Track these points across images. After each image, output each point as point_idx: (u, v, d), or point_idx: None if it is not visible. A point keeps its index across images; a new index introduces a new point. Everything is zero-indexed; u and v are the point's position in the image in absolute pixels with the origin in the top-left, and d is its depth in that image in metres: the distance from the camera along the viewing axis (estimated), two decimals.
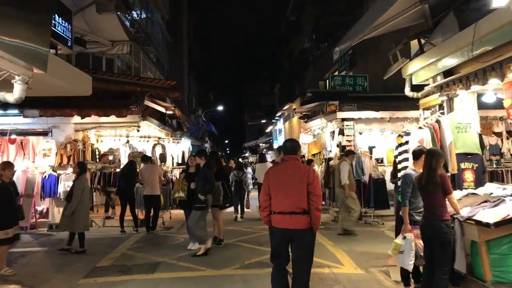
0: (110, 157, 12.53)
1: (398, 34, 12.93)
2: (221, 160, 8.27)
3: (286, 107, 18.14)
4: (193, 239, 7.46)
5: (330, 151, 12.44)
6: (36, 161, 10.31)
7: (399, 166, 6.43)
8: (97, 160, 11.56)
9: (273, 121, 25.51)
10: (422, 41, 6.27)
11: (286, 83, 31.96)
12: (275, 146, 25.74)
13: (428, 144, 5.55)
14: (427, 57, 5.72)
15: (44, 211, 10.51)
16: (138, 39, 16.47)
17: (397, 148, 6.53)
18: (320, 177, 11.49)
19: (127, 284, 5.62)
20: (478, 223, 4.25)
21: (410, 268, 4.82)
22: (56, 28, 5.27)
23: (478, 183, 5.63)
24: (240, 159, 33.19)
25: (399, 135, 6.44)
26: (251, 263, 6.50)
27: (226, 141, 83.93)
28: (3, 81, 4.23)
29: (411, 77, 6.47)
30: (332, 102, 10.81)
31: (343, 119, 11.18)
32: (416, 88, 6.79)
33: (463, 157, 5.71)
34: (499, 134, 10.53)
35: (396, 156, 6.59)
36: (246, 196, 12.67)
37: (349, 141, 11.16)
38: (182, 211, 9.04)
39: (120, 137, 13.02)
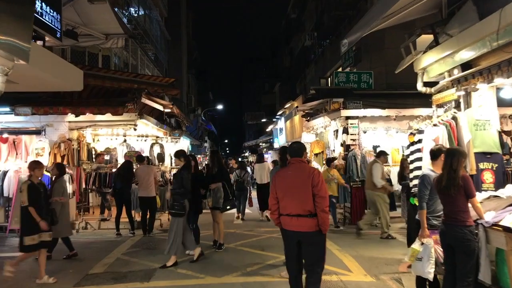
0: (107, 157, 12.15)
1: (403, 31, 12.66)
2: (221, 159, 7.78)
3: (287, 105, 17.73)
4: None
5: (334, 150, 12.03)
6: (29, 161, 9.88)
7: (411, 166, 6.02)
8: (93, 160, 11.17)
9: (273, 120, 25.08)
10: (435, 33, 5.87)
11: (287, 82, 31.58)
12: (276, 145, 25.33)
13: (444, 143, 5.15)
14: (443, 49, 5.32)
15: None
16: (135, 36, 16.08)
17: (408, 147, 6.13)
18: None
19: None
20: (506, 229, 3.85)
21: (429, 277, 4.42)
22: (43, 17, 4.89)
23: (499, 184, 5.23)
24: (240, 159, 32.85)
25: (411, 133, 6.03)
26: (253, 270, 6.10)
27: (226, 141, 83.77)
28: None
29: (424, 72, 6.03)
30: (336, 100, 10.39)
31: (347, 117, 10.76)
32: (427, 84, 6.38)
33: (482, 156, 5.32)
34: (508, 133, 10.16)
35: (407, 156, 6.19)
36: (248, 195, 12.39)
37: (353, 140, 10.75)
38: None
39: (117, 136, 12.68)
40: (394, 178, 10.82)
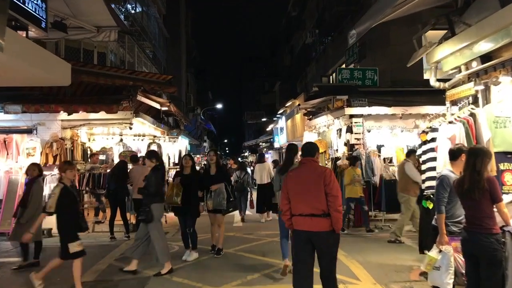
0: (103, 157, 11.75)
1: (409, 27, 12.24)
2: (219, 160, 7.31)
3: (288, 103, 17.30)
4: (189, 248, 6.68)
5: (337, 150, 11.62)
6: (20, 161, 9.51)
7: (423, 167, 5.62)
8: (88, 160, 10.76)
9: (274, 119, 24.66)
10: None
11: (287, 81, 31.17)
12: (276, 145, 24.93)
13: (461, 142, 4.74)
14: (460, 40, 4.90)
15: None
16: (132, 33, 15.67)
17: (420, 146, 5.74)
18: None
19: None
20: None
21: None
22: (26, 5, 4.49)
23: None
24: (239, 159, 32.45)
25: (423, 132, 5.64)
26: (254, 278, 5.69)
27: (225, 141, 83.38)
28: None
29: (437, 65, 5.62)
30: (340, 97, 9.98)
31: (351, 116, 10.36)
32: (441, 79, 5.97)
33: (502, 156, 4.91)
34: None
35: (419, 156, 5.78)
36: (249, 196, 12.14)
37: (357, 139, 10.34)
38: None
39: (113, 136, 12.28)
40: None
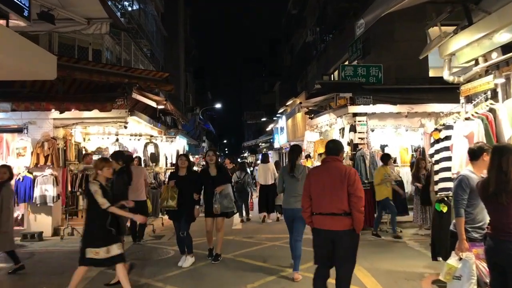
0: (97, 157, 11.35)
1: (414, 23, 11.87)
2: (218, 159, 6.85)
3: (289, 102, 16.91)
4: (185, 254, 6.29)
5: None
6: (9, 161, 9.09)
7: (436, 167, 5.24)
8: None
9: (274, 118, 24.28)
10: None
11: (287, 81, 30.78)
12: (276, 145, 24.55)
13: (481, 140, 4.36)
14: (478, 29, 4.51)
15: (19, 217, 9.33)
16: (128, 30, 15.28)
17: (433, 144, 5.34)
18: None
19: None
20: None
21: None
22: None
23: None
24: (239, 159, 32.08)
25: (436, 129, 5.24)
26: (254, 287, 5.29)
27: (225, 141, 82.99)
28: None
29: (451, 58, 5.24)
30: (343, 95, 9.58)
31: (355, 114, 9.97)
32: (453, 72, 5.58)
33: None
34: None
35: (431, 155, 5.40)
36: (249, 198, 11.86)
37: (361, 138, 9.93)
38: None
39: (109, 135, 11.90)
40: (404, 180, 10.11)
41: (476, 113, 4.62)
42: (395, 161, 10.89)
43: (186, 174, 6.16)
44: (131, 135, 12.23)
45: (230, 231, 9.48)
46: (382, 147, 10.74)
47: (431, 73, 11.72)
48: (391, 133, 10.91)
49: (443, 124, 5.11)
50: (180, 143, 16.63)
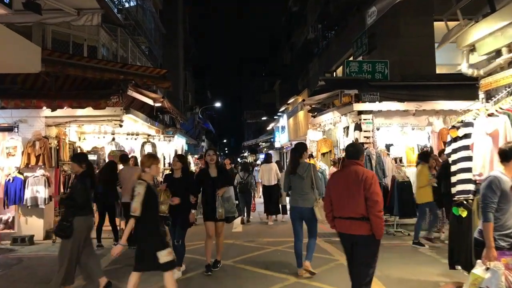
0: (94, 157, 10.95)
1: (420, 18, 11.48)
2: (219, 159, 6.37)
3: (291, 100, 16.49)
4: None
5: (343, 149, 10.82)
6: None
7: (454, 168, 4.83)
8: None
9: (275, 117, 23.86)
10: None
11: (287, 79, 30.34)
12: (277, 145, 24.15)
13: (509, 137, 3.95)
14: (502, 17, 4.11)
15: (10, 220, 8.94)
16: (126, 27, 14.88)
17: (449, 143, 4.93)
18: None
19: None
20: None
21: None
22: None
23: None
24: (239, 159, 31.69)
25: (453, 127, 4.83)
26: None
27: (225, 141, 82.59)
28: None
29: (470, 49, 4.82)
30: (348, 92, 9.17)
31: (360, 112, 9.56)
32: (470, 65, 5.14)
33: None
34: None
35: (448, 155, 4.98)
36: (252, 199, 11.65)
37: (367, 137, 9.53)
38: None
39: (105, 135, 11.51)
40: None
41: (501, 108, 4.21)
42: (400, 161, 10.51)
43: (181, 176, 5.67)
44: (128, 134, 11.85)
45: (230, 234, 9.07)
46: (387, 147, 10.34)
47: (438, 71, 11.33)
48: (397, 132, 10.52)
49: (462, 121, 4.70)
50: (179, 143, 16.21)
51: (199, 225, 6.40)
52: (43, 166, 8.75)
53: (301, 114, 14.35)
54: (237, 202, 6.15)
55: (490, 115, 4.26)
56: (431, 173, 8.44)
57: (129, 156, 9.74)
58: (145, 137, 12.28)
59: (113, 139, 11.56)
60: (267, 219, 10.96)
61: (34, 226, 8.78)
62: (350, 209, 3.90)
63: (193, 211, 5.68)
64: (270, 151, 26.05)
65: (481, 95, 4.99)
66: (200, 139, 31.03)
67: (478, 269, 3.52)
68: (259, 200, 13.75)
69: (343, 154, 10.82)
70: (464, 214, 4.56)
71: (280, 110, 20.27)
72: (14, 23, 5.44)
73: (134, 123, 10.77)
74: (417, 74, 10.48)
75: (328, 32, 17.73)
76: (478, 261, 3.59)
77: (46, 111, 8.83)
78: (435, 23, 11.13)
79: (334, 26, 16.54)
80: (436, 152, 9.65)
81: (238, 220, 10.59)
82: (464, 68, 5.01)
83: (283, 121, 20.15)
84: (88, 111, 8.80)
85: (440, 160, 8.39)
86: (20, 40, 4.38)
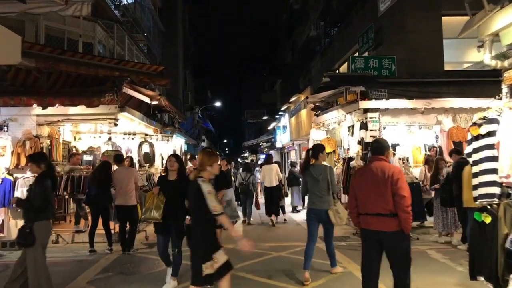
0: (89, 157, 10.59)
1: (427, 13, 11.05)
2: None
3: (293, 99, 16.06)
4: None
5: (348, 149, 10.41)
6: None
7: (475, 169, 4.40)
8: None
9: (276, 117, 23.44)
10: None
11: (288, 78, 29.92)
12: (278, 145, 23.72)
13: None
14: None
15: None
16: (123, 23, 14.48)
17: (470, 142, 4.51)
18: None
19: None
20: None
21: None
22: None
23: None
24: (239, 159, 31.30)
25: (475, 124, 4.40)
26: None
27: (225, 141, 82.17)
28: None
29: (493, 38, 4.39)
30: (354, 89, 8.74)
31: (366, 110, 9.14)
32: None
33: None
34: None
35: (468, 154, 4.56)
36: (254, 200, 11.51)
37: (373, 136, 9.07)
38: None
39: (101, 134, 11.12)
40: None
41: None
42: (407, 161, 10.09)
43: (177, 178, 5.14)
44: (125, 134, 11.47)
45: (230, 239, 8.56)
46: (393, 146, 9.91)
47: (447, 68, 10.89)
48: (403, 131, 10.11)
49: (484, 118, 4.27)
50: (177, 142, 15.82)
51: None
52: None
53: (303, 113, 13.94)
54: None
55: None
56: (440, 175, 8.06)
57: (126, 156, 9.35)
58: (143, 136, 11.92)
59: (110, 138, 11.19)
60: (272, 223, 10.74)
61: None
62: (377, 206, 3.85)
63: (188, 217, 5.18)
64: (271, 151, 25.64)
65: (505, 89, 4.56)
66: (199, 139, 30.64)
67: None
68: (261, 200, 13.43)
69: (348, 154, 10.49)
70: (488, 220, 4.14)
71: (282, 109, 19.84)
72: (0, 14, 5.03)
73: (131, 122, 10.36)
74: (425, 71, 10.04)
75: (330, 29, 17.31)
76: None
77: (37, 109, 8.42)
78: (443, 18, 10.68)
79: (337, 23, 16.10)
80: (445, 153, 9.26)
81: (238, 224, 10.21)
82: (487, 59, 4.58)
83: (284, 120, 19.74)
84: (81, 109, 8.41)
85: (452, 161, 8.02)
86: None
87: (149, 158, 11.41)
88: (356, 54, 11.93)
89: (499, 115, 4.16)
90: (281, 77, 35.17)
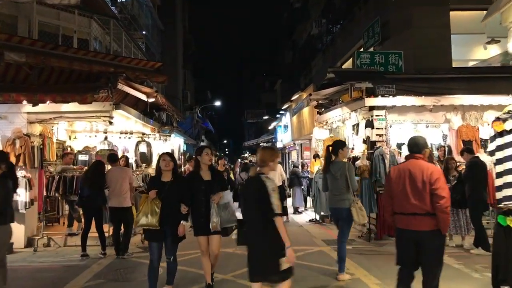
0: (85, 157, 10.22)
1: (434, 7, 10.70)
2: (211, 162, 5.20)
3: (295, 97, 15.66)
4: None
5: (353, 148, 10.03)
6: None
7: (499, 169, 4.02)
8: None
9: (277, 116, 23.06)
10: None
11: (289, 78, 29.58)
12: (279, 145, 23.33)
13: None
14: None
15: None
16: (120, 20, 14.12)
17: (493, 139, 4.13)
18: None
19: None
20: None
21: None
22: None
23: None
24: (239, 160, 30.92)
25: (498, 119, 4.01)
26: None
27: (225, 141, 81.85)
28: None
29: None
30: (359, 85, 8.35)
31: (372, 108, 8.75)
32: None
33: None
34: None
35: (490, 152, 4.18)
36: None
37: (379, 135, 8.70)
38: None
39: (97, 133, 10.75)
40: None
41: None
42: None
43: (172, 179, 4.63)
44: (121, 133, 11.09)
45: (230, 242, 8.16)
46: (399, 145, 9.53)
47: (455, 66, 10.53)
48: (410, 130, 9.72)
49: (509, 112, 3.89)
50: (176, 142, 15.42)
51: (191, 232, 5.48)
52: (24, 167, 7.96)
53: (305, 111, 13.56)
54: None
55: None
56: (450, 175, 7.72)
57: (121, 156, 8.97)
58: (140, 136, 11.54)
59: (106, 138, 10.83)
60: None
61: (14, 233, 7.87)
62: (414, 205, 3.75)
63: (183, 222, 4.71)
64: None
65: None
66: (199, 139, 30.27)
67: None
68: None
69: (352, 154, 10.12)
70: None
71: (283, 108, 19.45)
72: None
73: (127, 120, 9.97)
74: (433, 67, 9.67)
75: (333, 26, 16.93)
76: None
77: (27, 107, 8.04)
78: (451, 12, 10.31)
79: (340, 20, 15.73)
80: (455, 152, 8.88)
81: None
82: (511, 48, 4.21)
83: (286, 119, 19.36)
84: (74, 106, 8.03)
85: (462, 160, 7.67)
86: None
87: (146, 158, 11.04)
88: (362, 49, 11.57)
89: None
90: (282, 77, 34.84)
